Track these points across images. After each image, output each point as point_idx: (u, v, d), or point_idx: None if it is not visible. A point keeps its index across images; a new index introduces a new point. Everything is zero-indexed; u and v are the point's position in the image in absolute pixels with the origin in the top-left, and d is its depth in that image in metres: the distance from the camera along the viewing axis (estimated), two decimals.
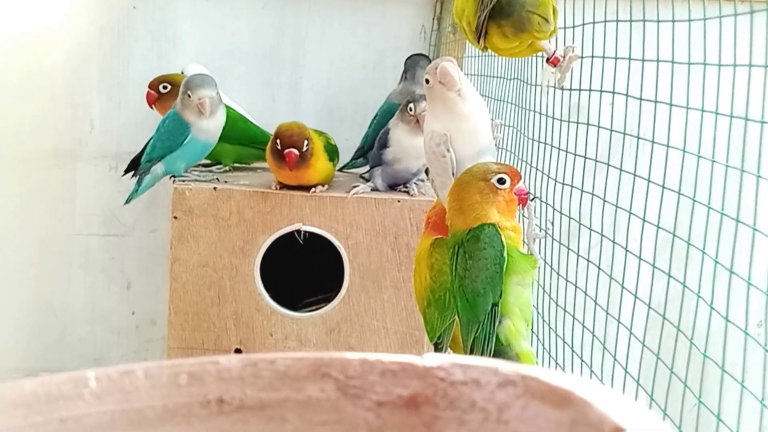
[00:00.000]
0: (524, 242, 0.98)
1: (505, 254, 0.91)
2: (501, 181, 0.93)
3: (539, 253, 1.02)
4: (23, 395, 0.41)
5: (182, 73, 1.61)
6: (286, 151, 1.33)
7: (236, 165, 1.59)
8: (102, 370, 0.43)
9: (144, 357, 1.89)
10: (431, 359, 0.42)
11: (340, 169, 1.60)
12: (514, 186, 0.95)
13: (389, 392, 0.42)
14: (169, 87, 1.58)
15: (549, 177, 1.12)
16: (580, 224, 1.04)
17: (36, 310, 1.85)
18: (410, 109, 1.35)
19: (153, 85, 1.61)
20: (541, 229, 1.06)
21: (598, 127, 0.99)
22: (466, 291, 0.92)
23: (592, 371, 1.00)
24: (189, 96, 1.40)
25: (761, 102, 0.69)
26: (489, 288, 0.91)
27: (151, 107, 1.62)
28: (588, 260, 1.02)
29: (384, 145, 1.40)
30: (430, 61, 1.57)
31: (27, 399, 0.41)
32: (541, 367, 0.41)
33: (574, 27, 1.01)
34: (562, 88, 1.01)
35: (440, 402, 0.41)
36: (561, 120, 1.11)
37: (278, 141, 1.35)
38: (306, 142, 1.35)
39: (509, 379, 0.40)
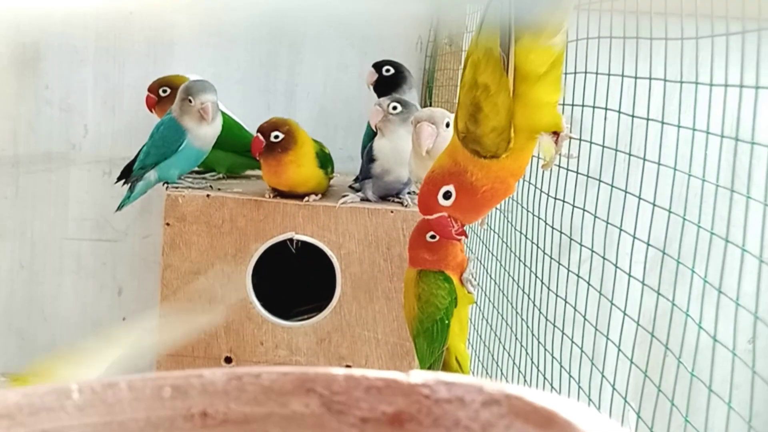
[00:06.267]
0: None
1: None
2: (432, 237, 1.01)
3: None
4: (6, 406, 0.41)
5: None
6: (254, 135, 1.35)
7: (229, 174, 1.59)
8: (85, 381, 0.43)
9: (134, 363, 1.88)
10: (416, 376, 0.42)
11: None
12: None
13: (374, 409, 0.42)
14: (168, 90, 1.56)
15: (541, 191, 1.12)
16: (570, 239, 1.05)
17: (26, 313, 1.84)
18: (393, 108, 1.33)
19: (152, 89, 1.59)
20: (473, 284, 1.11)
21: (590, 142, 1.00)
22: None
23: (579, 387, 1.00)
24: (190, 101, 1.39)
25: (751, 122, 0.69)
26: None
27: (151, 111, 1.61)
28: (578, 275, 1.02)
29: (370, 159, 1.38)
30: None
31: (10, 410, 0.41)
32: (525, 387, 0.41)
33: (567, 42, 1.01)
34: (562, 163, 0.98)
35: (424, 420, 0.41)
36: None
37: None
38: (277, 134, 1.34)
39: (494, 398, 0.40)
